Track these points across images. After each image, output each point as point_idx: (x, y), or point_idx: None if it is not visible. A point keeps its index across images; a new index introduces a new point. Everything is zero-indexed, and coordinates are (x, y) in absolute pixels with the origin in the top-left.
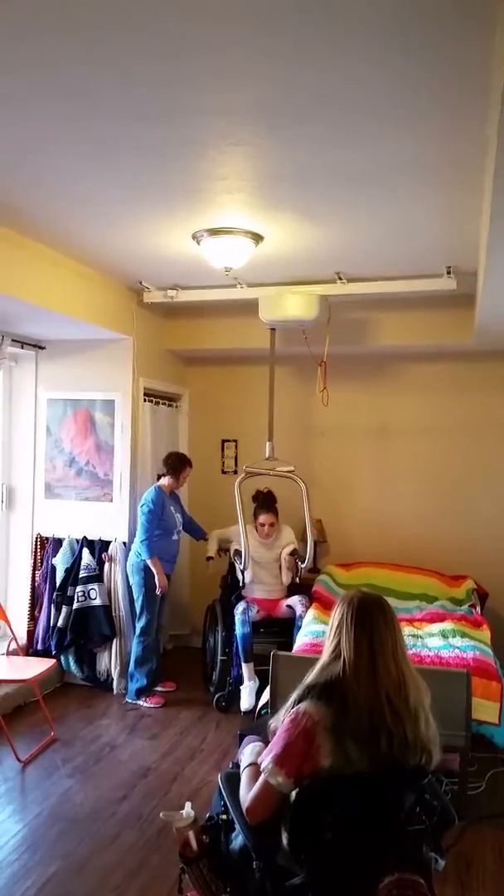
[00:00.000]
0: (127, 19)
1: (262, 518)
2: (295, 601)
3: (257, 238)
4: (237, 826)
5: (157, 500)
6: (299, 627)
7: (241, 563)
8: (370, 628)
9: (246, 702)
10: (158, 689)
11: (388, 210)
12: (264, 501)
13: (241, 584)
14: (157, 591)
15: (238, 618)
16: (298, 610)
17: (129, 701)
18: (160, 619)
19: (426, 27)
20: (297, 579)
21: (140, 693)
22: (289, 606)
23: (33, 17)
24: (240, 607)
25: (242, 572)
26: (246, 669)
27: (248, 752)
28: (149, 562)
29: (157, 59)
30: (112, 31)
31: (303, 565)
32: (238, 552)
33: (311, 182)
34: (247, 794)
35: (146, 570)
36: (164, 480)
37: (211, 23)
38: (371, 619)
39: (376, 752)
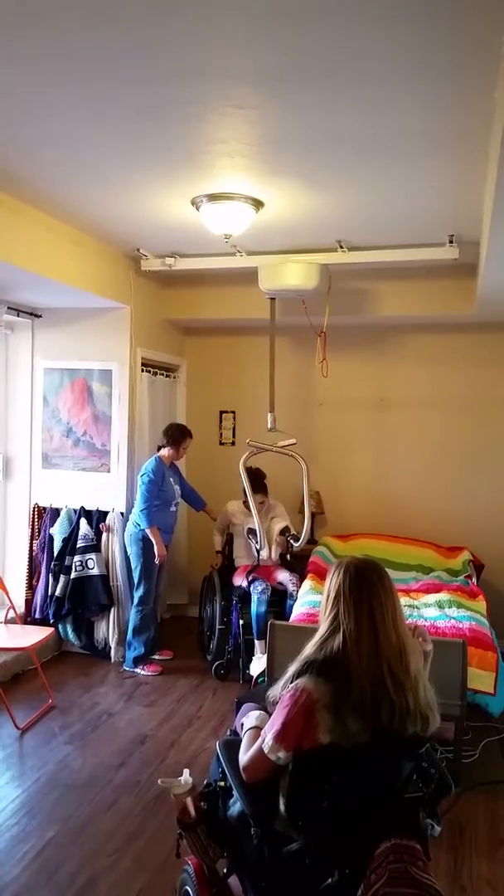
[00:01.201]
0: None
1: (258, 497)
2: (286, 579)
3: (258, 204)
4: (235, 793)
5: (156, 470)
6: (290, 605)
7: (256, 542)
8: (369, 597)
9: (255, 670)
10: (156, 657)
11: (391, 178)
12: (254, 481)
13: (256, 563)
14: (157, 561)
15: (255, 597)
16: (289, 588)
17: (127, 669)
18: (158, 589)
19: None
20: (289, 556)
21: (138, 661)
22: (280, 582)
23: None
24: (258, 587)
25: (258, 551)
26: (258, 645)
27: (252, 717)
28: (148, 531)
29: (159, 20)
30: None
31: (297, 545)
32: (252, 531)
33: (314, 148)
34: (245, 754)
35: (144, 539)
36: (164, 451)
37: None
38: (369, 587)
39: (378, 724)
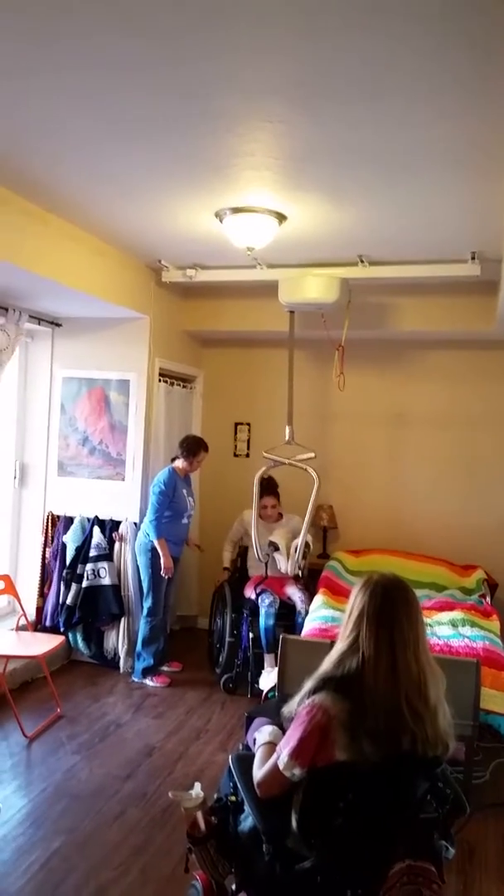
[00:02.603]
0: None
1: (266, 500)
2: (296, 596)
3: (281, 217)
4: (247, 808)
5: (168, 481)
6: (300, 624)
7: (264, 554)
8: (391, 625)
9: (264, 682)
10: (164, 668)
11: (414, 194)
12: (266, 486)
13: (264, 575)
14: (162, 573)
15: (263, 610)
16: (298, 606)
17: (136, 680)
18: (168, 600)
19: (464, 10)
20: (300, 571)
21: (146, 672)
22: (289, 597)
23: None
24: (266, 599)
25: (266, 564)
26: (268, 658)
27: (265, 732)
28: (156, 542)
29: (190, 33)
30: (147, 2)
31: (300, 562)
32: (271, 544)
33: (339, 163)
34: (259, 769)
35: (153, 550)
36: (179, 462)
37: None
38: (394, 614)
39: (396, 749)
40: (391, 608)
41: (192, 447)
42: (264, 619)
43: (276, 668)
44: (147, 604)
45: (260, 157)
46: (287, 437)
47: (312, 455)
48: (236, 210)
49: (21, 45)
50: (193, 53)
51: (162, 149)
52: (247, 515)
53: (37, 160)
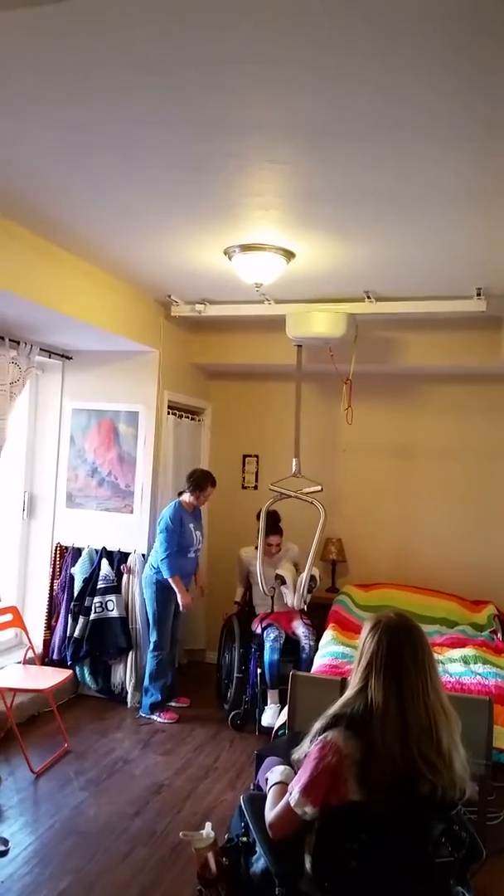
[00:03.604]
0: (175, 26)
1: (271, 539)
2: (300, 631)
3: (289, 255)
4: (259, 849)
5: (174, 517)
6: (304, 659)
7: (287, 589)
8: (399, 672)
9: (268, 720)
10: (172, 704)
11: (423, 231)
12: (271, 524)
13: (270, 610)
14: (182, 609)
15: (268, 644)
16: (303, 641)
17: (143, 715)
18: (176, 634)
19: (479, 47)
20: (305, 604)
21: (154, 708)
22: (294, 632)
23: (75, 18)
24: (271, 634)
25: (272, 597)
26: (271, 694)
27: (277, 772)
28: (171, 581)
29: (204, 74)
30: (161, 40)
31: (306, 596)
32: (278, 577)
33: (347, 201)
34: (271, 810)
35: (158, 584)
36: (186, 497)
37: (265, 34)
38: (401, 661)
39: (413, 795)
40: (398, 655)
41: (200, 482)
42: (269, 654)
43: (279, 705)
44: (153, 638)
45: (268, 197)
46: (294, 470)
47: (319, 488)
48: (245, 248)
49: (37, 90)
50: (204, 95)
51: (174, 188)
52: (244, 553)
53: (49, 198)
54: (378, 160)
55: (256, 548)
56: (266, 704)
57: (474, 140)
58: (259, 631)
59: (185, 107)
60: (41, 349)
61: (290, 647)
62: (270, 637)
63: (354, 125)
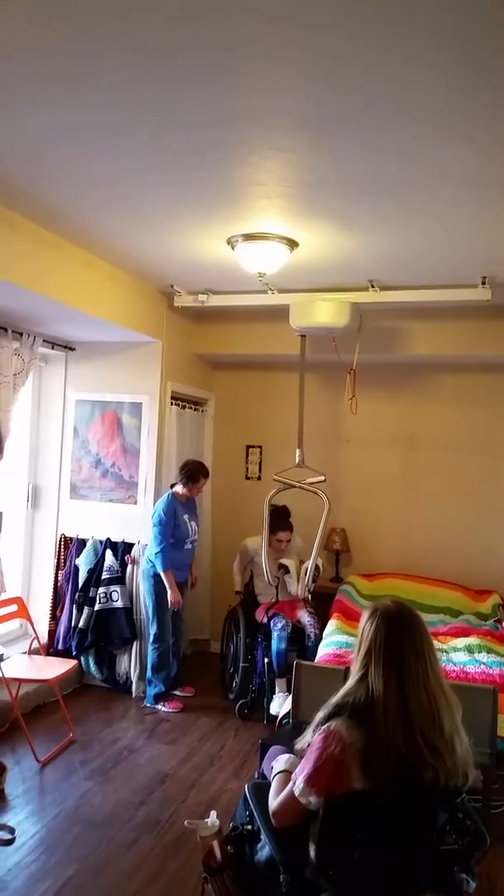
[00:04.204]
0: (178, 12)
1: (281, 535)
2: (305, 621)
3: (292, 244)
4: (263, 837)
5: (167, 510)
6: (310, 647)
7: (276, 578)
8: (399, 660)
9: (276, 708)
10: (177, 692)
11: (428, 220)
12: (281, 518)
13: (275, 599)
14: (171, 607)
15: (276, 633)
16: (308, 630)
17: (148, 705)
18: (180, 624)
19: (485, 35)
20: (309, 592)
21: (158, 698)
22: (299, 621)
23: (75, 3)
24: (278, 623)
25: (277, 587)
26: (279, 683)
27: (282, 761)
28: (162, 575)
29: (208, 64)
30: (163, 27)
31: (310, 584)
32: (283, 566)
33: (352, 190)
34: (275, 798)
35: (155, 577)
36: (178, 488)
37: (269, 21)
38: (400, 649)
39: (417, 784)
40: (397, 643)
41: (193, 473)
42: (276, 643)
43: (287, 693)
44: (153, 630)
45: (272, 186)
46: (297, 460)
47: (322, 478)
48: (248, 237)
49: (36, 77)
50: (207, 85)
51: (176, 178)
52: (250, 544)
53: (49, 186)
54: (382, 148)
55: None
56: (274, 693)
57: (479, 128)
58: (265, 620)
59: (188, 94)
60: (44, 340)
61: (295, 635)
62: (278, 626)
63: (358, 113)
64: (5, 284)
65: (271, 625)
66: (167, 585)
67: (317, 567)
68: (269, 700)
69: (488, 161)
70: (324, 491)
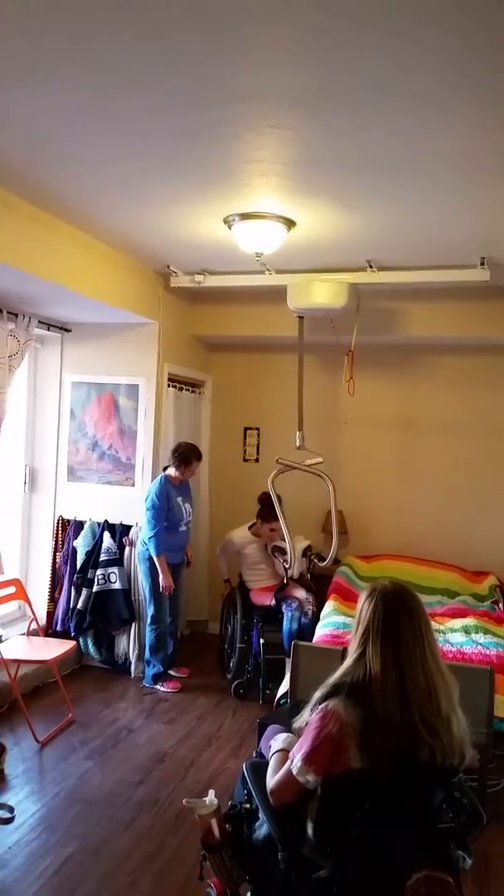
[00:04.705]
0: None
1: (273, 525)
2: (301, 596)
3: (289, 223)
4: (261, 815)
5: (160, 493)
6: (304, 623)
7: (285, 560)
8: (396, 640)
9: (284, 689)
10: (172, 672)
11: (424, 200)
12: (271, 509)
13: (283, 582)
14: (162, 591)
15: (288, 614)
16: (305, 607)
17: (147, 685)
18: (178, 605)
19: (484, 14)
20: (309, 575)
21: (157, 678)
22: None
23: None
24: (292, 604)
25: (287, 569)
26: (289, 663)
27: (280, 739)
28: (155, 560)
29: (203, 42)
30: (158, 3)
31: (324, 563)
32: (279, 549)
33: (349, 170)
34: (273, 777)
35: (151, 559)
36: (171, 471)
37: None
38: (397, 629)
39: (414, 762)
40: (394, 622)
41: (185, 456)
42: (289, 623)
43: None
44: (149, 611)
45: (268, 164)
46: (298, 443)
47: (320, 460)
48: (245, 216)
49: (30, 56)
50: (201, 61)
51: (171, 156)
52: (237, 537)
53: (46, 168)
54: (380, 127)
55: (249, 528)
56: (285, 674)
57: (478, 107)
58: (272, 604)
59: (185, 72)
60: (40, 322)
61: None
62: (292, 606)
63: (357, 91)
64: (0, 265)
65: (284, 606)
66: (160, 570)
67: (313, 552)
68: (267, 681)
69: (487, 141)
70: (326, 474)
